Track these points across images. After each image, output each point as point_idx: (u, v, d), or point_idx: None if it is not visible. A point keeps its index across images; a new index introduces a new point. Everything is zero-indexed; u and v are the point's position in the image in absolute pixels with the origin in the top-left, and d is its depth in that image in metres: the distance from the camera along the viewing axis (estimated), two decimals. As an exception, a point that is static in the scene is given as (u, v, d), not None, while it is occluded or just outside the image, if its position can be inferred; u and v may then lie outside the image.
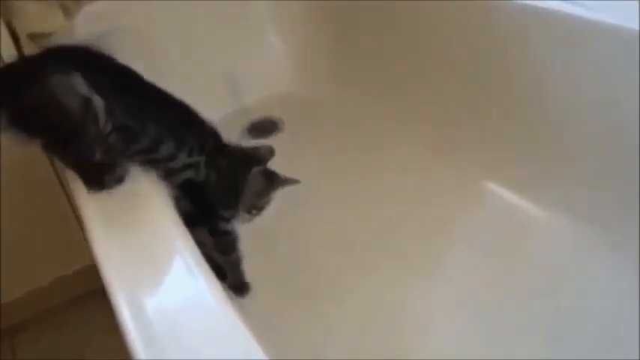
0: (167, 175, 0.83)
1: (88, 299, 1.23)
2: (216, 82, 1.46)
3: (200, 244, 0.72)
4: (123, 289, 0.61)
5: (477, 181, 1.21)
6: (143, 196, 0.75)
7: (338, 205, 1.20)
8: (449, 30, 1.21)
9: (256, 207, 0.92)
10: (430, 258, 1.09)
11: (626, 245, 0.98)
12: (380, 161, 1.29)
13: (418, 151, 1.28)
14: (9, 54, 0.97)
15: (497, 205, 1.17)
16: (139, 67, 0.81)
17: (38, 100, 0.69)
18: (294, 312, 1.01)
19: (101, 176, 0.74)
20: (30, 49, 0.98)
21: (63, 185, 1.16)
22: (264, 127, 1.46)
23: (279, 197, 0.93)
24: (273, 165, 0.93)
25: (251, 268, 1.05)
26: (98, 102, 0.71)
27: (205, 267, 0.65)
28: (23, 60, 0.74)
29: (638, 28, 0.89)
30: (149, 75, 0.82)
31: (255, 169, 0.88)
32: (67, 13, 1.01)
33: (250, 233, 1.06)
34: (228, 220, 0.93)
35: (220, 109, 1.27)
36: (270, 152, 0.93)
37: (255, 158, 0.91)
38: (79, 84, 0.70)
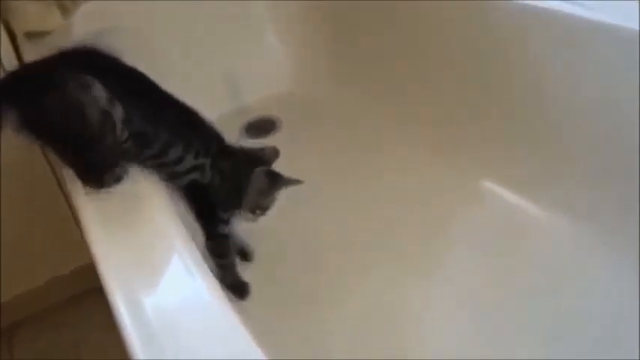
0: (172, 178, 0.83)
1: (86, 297, 1.23)
2: (215, 81, 1.46)
3: None
4: (121, 288, 0.61)
5: (476, 180, 1.21)
6: (141, 196, 0.75)
7: (338, 205, 1.20)
8: (449, 30, 1.21)
9: (260, 207, 0.92)
10: (430, 258, 1.09)
11: (626, 245, 0.98)
12: (380, 161, 1.29)
13: (418, 151, 1.28)
14: (6, 53, 0.97)
15: (497, 205, 1.17)
16: (138, 66, 0.81)
17: (59, 106, 0.69)
18: (293, 312, 1.01)
19: (101, 175, 0.74)
20: (27, 47, 0.97)
21: (61, 185, 1.16)
22: (262, 126, 1.46)
23: (280, 197, 0.93)
24: (272, 164, 0.93)
25: (251, 268, 1.05)
26: (118, 113, 0.72)
27: (204, 266, 0.65)
28: (38, 62, 0.74)
29: (638, 28, 0.89)
30: (148, 74, 0.82)
31: (259, 170, 0.88)
32: (65, 11, 1.00)
33: (250, 233, 1.07)
34: (227, 223, 0.93)
35: (219, 108, 1.27)
36: (275, 153, 0.93)
37: (260, 159, 0.91)
38: (100, 95, 0.70)
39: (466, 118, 1.23)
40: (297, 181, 0.91)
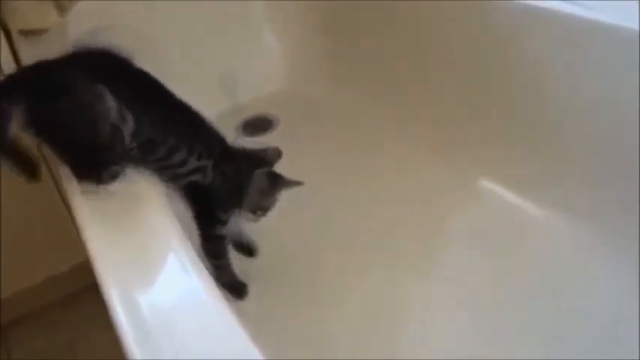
0: (173, 179, 0.83)
1: (84, 295, 1.23)
2: (212, 79, 1.45)
3: None
4: (117, 286, 0.61)
5: (477, 180, 1.21)
6: (137, 194, 0.75)
7: (338, 205, 1.20)
8: (449, 30, 1.21)
9: (261, 208, 0.92)
10: (430, 258, 1.08)
11: (626, 245, 0.98)
12: (380, 161, 1.29)
13: (418, 151, 1.28)
14: (2, 50, 0.97)
15: (497, 204, 1.17)
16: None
17: (70, 113, 0.69)
18: (293, 311, 1.01)
19: (99, 172, 0.74)
20: (23, 45, 0.97)
21: (57, 183, 1.16)
22: (259, 124, 1.46)
23: (280, 197, 0.93)
24: (274, 165, 0.93)
25: (250, 268, 1.05)
26: (128, 127, 0.72)
27: (199, 265, 0.65)
28: (51, 61, 0.74)
29: (638, 28, 0.89)
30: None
31: (260, 171, 0.88)
32: (61, 9, 1.00)
33: (250, 233, 1.07)
34: (224, 224, 0.93)
35: (216, 107, 1.27)
36: (278, 154, 0.93)
37: (262, 160, 0.91)
38: (112, 106, 0.70)
39: (466, 118, 1.23)
40: (297, 183, 0.91)
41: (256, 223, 0.94)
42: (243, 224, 1.00)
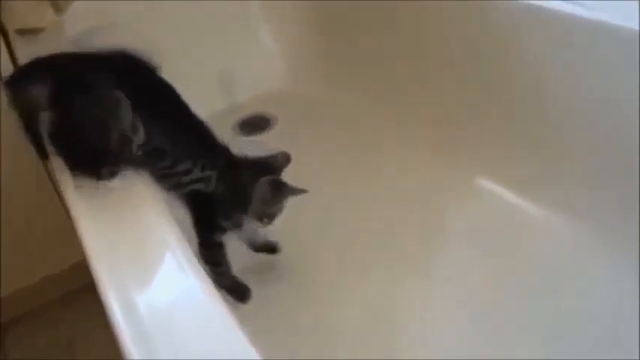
0: (175, 186, 0.84)
1: (83, 293, 1.22)
2: (209, 78, 1.46)
3: None
4: (113, 285, 0.60)
5: (476, 180, 1.21)
6: (134, 193, 0.75)
7: (338, 205, 1.20)
8: (449, 30, 1.21)
9: (267, 215, 0.92)
10: (430, 258, 1.08)
11: (626, 245, 0.98)
12: (380, 161, 1.29)
13: (418, 151, 1.28)
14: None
15: (497, 204, 1.17)
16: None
17: (84, 112, 0.70)
18: (293, 311, 1.01)
19: (98, 168, 0.74)
20: (19, 44, 0.97)
21: (53, 182, 1.16)
22: (257, 123, 1.46)
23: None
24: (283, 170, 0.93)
25: (250, 268, 1.05)
26: (138, 139, 0.72)
27: (196, 264, 0.65)
28: (76, 55, 0.75)
29: (638, 28, 0.89)
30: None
31: (263, 179, 0.88)
32: (57, 8, 1.00)
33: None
34: (224, 231, 0.93)
35: (213, 106, 1.28)
36: (286, 159, 0.93)
37: (270, 167, 0.91)
38: (126, 116, 0.70)
39: (466, 118, 1.23)
40: (302, 191, 0.91)
41: (264, 228, 0.94)
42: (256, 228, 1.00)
